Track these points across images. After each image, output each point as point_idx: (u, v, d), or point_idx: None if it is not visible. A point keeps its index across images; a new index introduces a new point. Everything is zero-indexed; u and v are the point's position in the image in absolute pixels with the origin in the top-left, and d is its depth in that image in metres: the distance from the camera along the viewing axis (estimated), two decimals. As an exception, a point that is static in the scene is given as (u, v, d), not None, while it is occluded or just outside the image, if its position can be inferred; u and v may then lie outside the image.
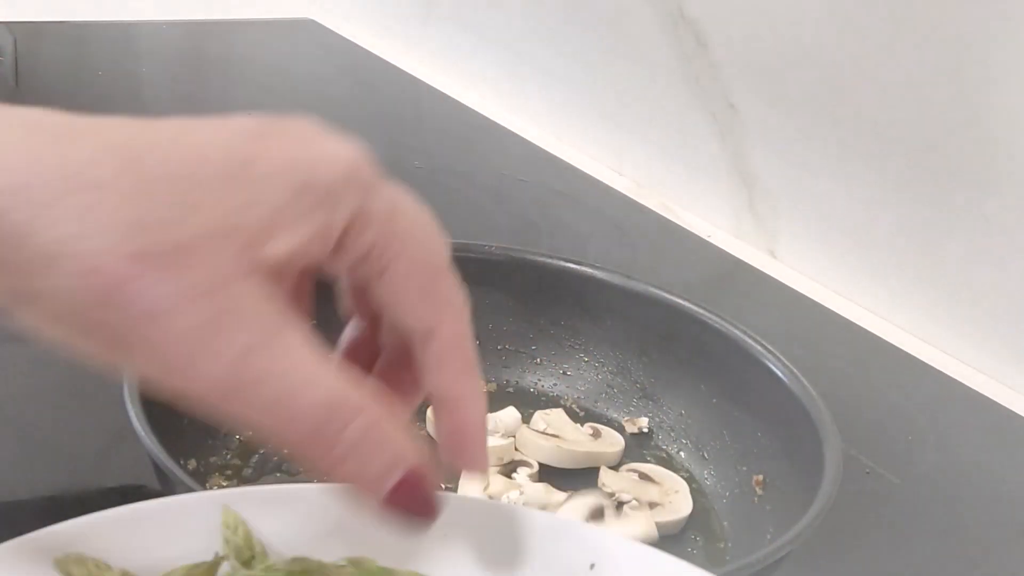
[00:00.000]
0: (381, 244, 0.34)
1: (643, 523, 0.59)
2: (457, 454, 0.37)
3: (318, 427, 0.31)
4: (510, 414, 0.66)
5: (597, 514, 0.59)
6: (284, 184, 0.32)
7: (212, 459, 0.59)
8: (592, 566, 0.38)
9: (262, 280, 0.31)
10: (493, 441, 0.63)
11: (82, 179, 0.29)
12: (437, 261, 0.36)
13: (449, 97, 1.27)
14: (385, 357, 0.38)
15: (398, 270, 0.34)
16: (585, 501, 0.60)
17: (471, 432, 0.36)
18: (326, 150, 0.33)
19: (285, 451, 0.34)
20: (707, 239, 1.01)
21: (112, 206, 0.29)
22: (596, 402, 0.70)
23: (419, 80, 1.31)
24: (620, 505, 0.61)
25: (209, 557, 0.36)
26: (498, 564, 0.38)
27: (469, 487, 0.60)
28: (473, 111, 1.23)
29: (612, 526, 0.58)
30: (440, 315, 0.35)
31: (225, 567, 0.36)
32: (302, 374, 0.31)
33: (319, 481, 0.35)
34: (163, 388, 0.31)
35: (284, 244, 0.31)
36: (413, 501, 0.33)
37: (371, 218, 0.34)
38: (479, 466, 0.37)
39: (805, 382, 0.61)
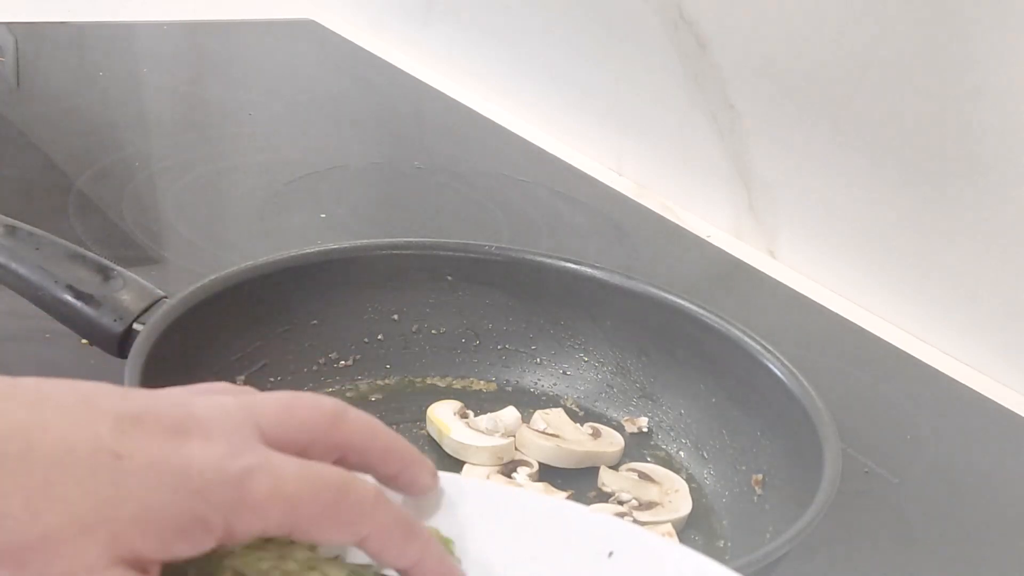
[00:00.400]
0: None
1: (660, 532, 0.59)
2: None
3: None
4: (510, 414, 0.67)
5: None
6: (156, 481, 0.32)
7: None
8: (610, 554, 0.38)
9: (127, 570, 0.31)
10: (493, 441, 0.64)
11: None
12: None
13: (449, 97, 1.27)
14: None
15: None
16: (595, 507, 0.60)
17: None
18: (196, 447, 0.33)
19: None
20: (707, 239, 1.02)
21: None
22: (596, 402, 0.70)
23: (419, 80, 1.31)
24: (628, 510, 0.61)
25: None
26: (516, 550, 0.39)
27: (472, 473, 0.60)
28: (473, 111, 1.24)
29: None
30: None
31: None
32: None
33: None
34: None
35: (153, 541, 0.32)
36: None
37: (252, 509, 0.33)
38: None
39: (804, 382, 0.61)
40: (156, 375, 0.55)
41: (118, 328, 0.59)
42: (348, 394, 0.68)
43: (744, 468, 0.63)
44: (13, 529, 0.30)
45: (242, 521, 0.33)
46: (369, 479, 0.37)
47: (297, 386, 0.60)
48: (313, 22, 1.46)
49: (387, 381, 0.70)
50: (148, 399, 0.34)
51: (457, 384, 0.70)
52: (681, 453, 0.67)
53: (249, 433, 0.34)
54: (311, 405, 0.37)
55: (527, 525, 0.39)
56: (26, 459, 0.31)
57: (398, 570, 0.37)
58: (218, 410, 0.35)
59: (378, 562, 0.37)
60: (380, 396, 0.69)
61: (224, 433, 0.34)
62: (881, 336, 0.89)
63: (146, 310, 0.60)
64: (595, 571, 0.38)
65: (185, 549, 0.32)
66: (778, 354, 0.63)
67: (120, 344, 0.59)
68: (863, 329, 0.89)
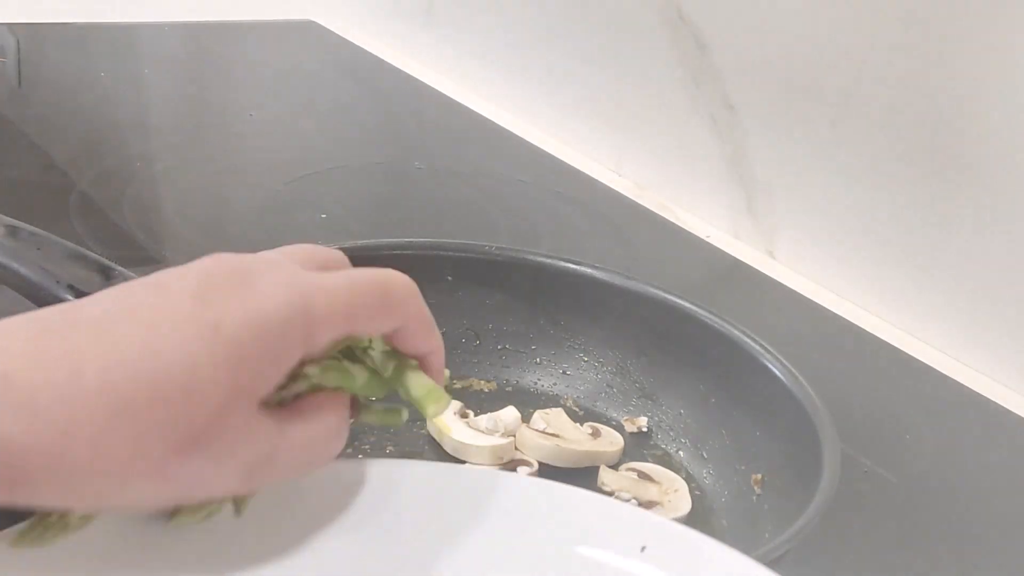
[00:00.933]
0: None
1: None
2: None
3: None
4: (510, 413, 0.67)
5: None
6: (251, 337, 0.37)
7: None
8: (643, 549, 0.37)
9: (259, 409, 0.38)
10: (493, 440, 0.64)
11: (111, 409, 0.34)
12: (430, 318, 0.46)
13: (449, 98, 1.27)
14: None
15: (416, 330, 0.45)
16: None
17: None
18: (269, 297, 0.38)
19: None
20: (706, 239, 1.02)
21: (129, 446, 0.35)
22: (595, 402, 0.70)
23: (419, 81, 1.31)
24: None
25: None
26: (549, 543, 0.38)
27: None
28: (473, 112, 1.24)
29: None
30: (434, 344, 0.46)
31: None
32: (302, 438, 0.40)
33: None
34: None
35: (267, 387, 0.38)
36: None
37: (319, 324, 0.40)
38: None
39: (804, 382, 0.61)
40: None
41: (119, 328, 0.59)
42: (348, 394, 0.68)
43: (743, 468, 0.63)
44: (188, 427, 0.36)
45: (314, 336, 0.39)
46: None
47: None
48: (313, 23, 1.46)
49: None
50: (204, 272, 0.39)
51: (457, 384, 0.71)
52: (680, 453, 0.67)
53: (293, 266, 0.41)
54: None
55: (557, 518, 0.39)
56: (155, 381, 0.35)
57: (419, 356, 0.44)
58: (262, 262, 0.41)
59: (406, 349, 0.44)
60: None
61: (279, 269, 0.40)
62: (880, 336, 0.89)
63: (147, 310, 0.60)
64: (628, 566, 0.37)
65: (283, 370, 0.39)
66: (777, 354, 0.63)
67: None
68: (862, 329, 0.90)
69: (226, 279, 0.38)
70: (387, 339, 0.44)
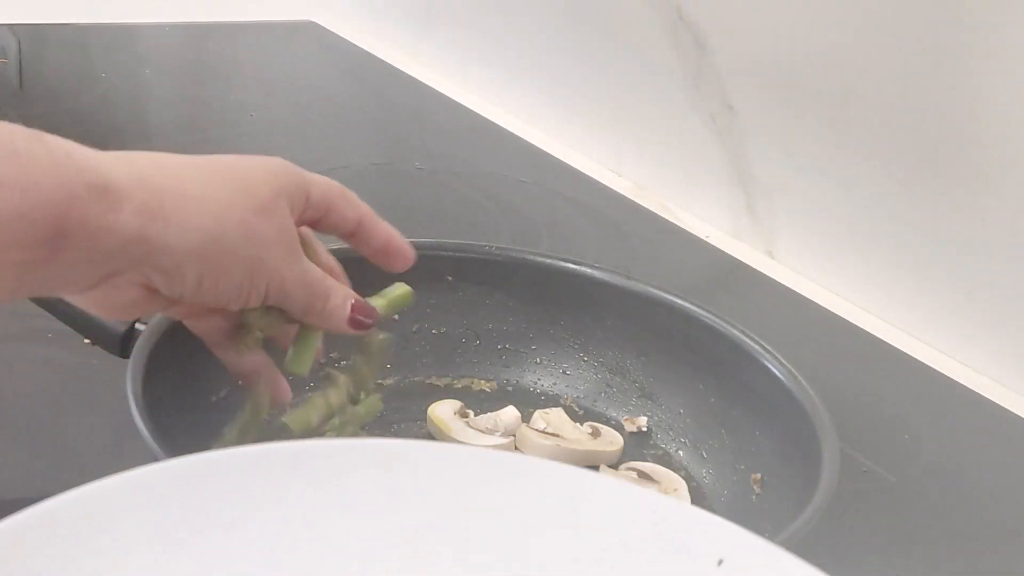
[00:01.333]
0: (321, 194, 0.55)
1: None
2: (398, 261, 0.58)
3: (319, 295, 0.53)
4: (510, 413, 0.67)
5: None
6: (266, 178, 0.51)
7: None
8: (720, 562, 0.35)
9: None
10: (493, 440, 0.64)
11: (195, 187, 0.48)
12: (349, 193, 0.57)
13: (449, 99, 1.27)
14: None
15: (338, 203, 0.56)
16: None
17: (399, 244, 0.58)
18: (272, 163, 0.52)
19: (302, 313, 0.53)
20: (705, 240, 1.02)
21: (227, 198, 0.48)
22: (595, 401, 0.70)
23: (420, 82, 1.32)
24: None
25: None
26: (618, 552, 0.36)
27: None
28: (473, 113, 1.24)
29: None
30: (361, 211, 0.57)
31: None
32: (317, 272, 0.53)
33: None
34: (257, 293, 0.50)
35: (296, 207, 0.52)
36: (361, 314, 0.55)
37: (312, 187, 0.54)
38: (410, 255, 0.58)
39: (803, 381, 0.62)
40: (158, 374, 0.55)
41: (120, 328, 0.59)
42: (349, 394, 0.68)
43: (742, 467, 0.63)
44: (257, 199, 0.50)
45: (309, 188, 0.54)
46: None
47: (297, 385, 0.61)
48: (314, 24, 1.46)
49: (387, 381, 0.70)
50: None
51: (457, 384, 0.71)
52: (680, 452, 0.67)
53: None
54: None
55: (627, 525, 0.36)
56: (226, 176, 0.50)
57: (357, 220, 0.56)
58: None
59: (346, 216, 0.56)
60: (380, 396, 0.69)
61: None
62: (879, 336, 0.89)
63: (148, 310, 0.60)
64: None
65: (299, 202, 0.53)
66: (776, 354, 0.64)
67: (122, 344, 0.59)
68: (861, 329, 0.90)
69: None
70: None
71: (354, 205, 0.56)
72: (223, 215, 0.47)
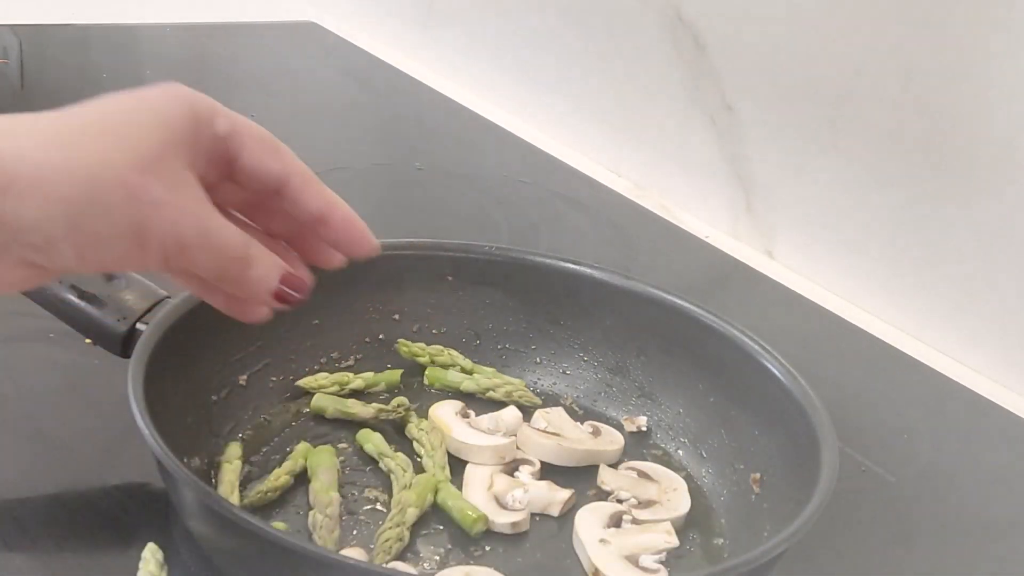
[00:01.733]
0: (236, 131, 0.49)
1: (662, 531, 0.59)
2: (353, 244, 0.51)
3: (236, 261, 0.47)
4: (511, 413, 0.67)
5: (615, 521, 0.59)
6: (152, 125, 0.45)
7: (216, 457, 0.60)
8: None
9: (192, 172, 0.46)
10: (495, 440, 0.64)
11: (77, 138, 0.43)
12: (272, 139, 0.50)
13: (449, 99, 1.27)
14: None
15: (253, 145, 0.49)
16: (603, 508, 0.60)
17: (351, 222, 0.51)
18: (161, 101, 0.47)
19: (216, 279, 0.48)
20: (705, 239, 1.02)
21: (100, 156, 0.43)
22: (595, 401, 0.71)
23: (420, 82, 1.32)
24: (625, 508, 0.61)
25: None
26: None
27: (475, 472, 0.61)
28: (473, 113, 1.24)
29: (630, 534, 0.59)
30: (289, 165, 0.50)
31: None
32: (230, 229, 0.47)
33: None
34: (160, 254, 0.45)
35: (188, 154, 0.46)
36: (292, 285, 0.49)
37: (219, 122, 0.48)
38: (372, 243, 0.51)
39: (802, 381, 0.62)
40: (159, 374, 0.55)
41: (121, 328, 0.60)
42: (349, 393, 0.68)
43: (742, 467, 0.63)
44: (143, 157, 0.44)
45: (213, 119, 0.48)
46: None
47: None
48: (314, 24, 1.47)
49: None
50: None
51: (457, 383, 0.71)
52: (680, 452, 0.67)
53: None
54: None
55: None
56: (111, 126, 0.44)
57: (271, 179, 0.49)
58: None
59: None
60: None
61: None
62: (878, 336, 0.89)
63: (149, 310, 0.60)
64: None
65: (198, 146, 0.47)
66: (776, 353, 0.64)
67: (123, 343, 0.60)
68: (860, 329, 0.90)
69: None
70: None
71: (280, 156, 0.49)
72: (95, 177, 0.42)
